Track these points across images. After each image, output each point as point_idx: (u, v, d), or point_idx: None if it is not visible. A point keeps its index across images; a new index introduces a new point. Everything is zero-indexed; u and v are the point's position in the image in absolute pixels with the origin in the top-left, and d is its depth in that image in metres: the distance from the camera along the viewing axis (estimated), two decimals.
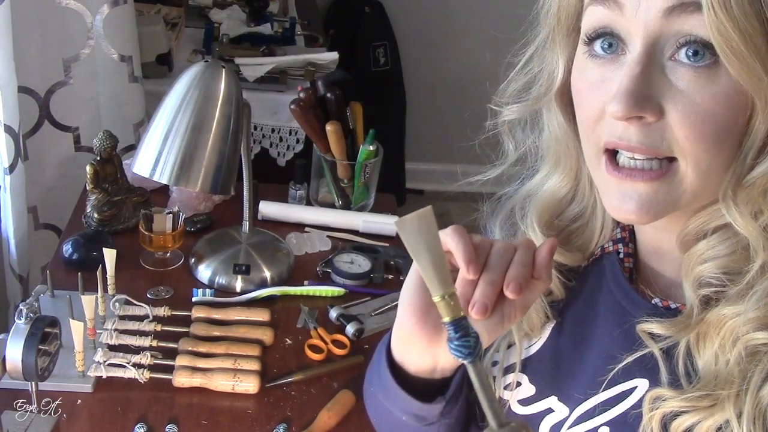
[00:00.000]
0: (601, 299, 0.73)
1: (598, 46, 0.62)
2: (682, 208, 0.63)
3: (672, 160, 0.60)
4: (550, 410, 0.73)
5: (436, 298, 0.56)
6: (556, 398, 0.73)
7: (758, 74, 0.56)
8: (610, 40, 0.61)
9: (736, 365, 0.60)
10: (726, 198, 0.61)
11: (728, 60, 0.56)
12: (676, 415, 0.61)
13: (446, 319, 0.56)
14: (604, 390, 0.68)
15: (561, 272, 0.75)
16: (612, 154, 0.62)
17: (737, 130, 0.59)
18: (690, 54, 0.57)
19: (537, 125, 0.75)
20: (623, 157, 0.61)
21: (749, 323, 0.59)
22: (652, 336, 0.65)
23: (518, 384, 0.76)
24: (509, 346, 0.77)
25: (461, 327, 0.56)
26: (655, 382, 0.65)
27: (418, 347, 0.69)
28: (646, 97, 0.58)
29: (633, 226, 0.73)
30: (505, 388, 0.77)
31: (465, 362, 0.56)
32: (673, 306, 0.67)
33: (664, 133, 0.59)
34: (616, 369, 0.66)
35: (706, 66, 0.57)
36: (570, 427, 0.70)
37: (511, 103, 0.73)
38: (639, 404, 0.65)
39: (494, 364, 0.78)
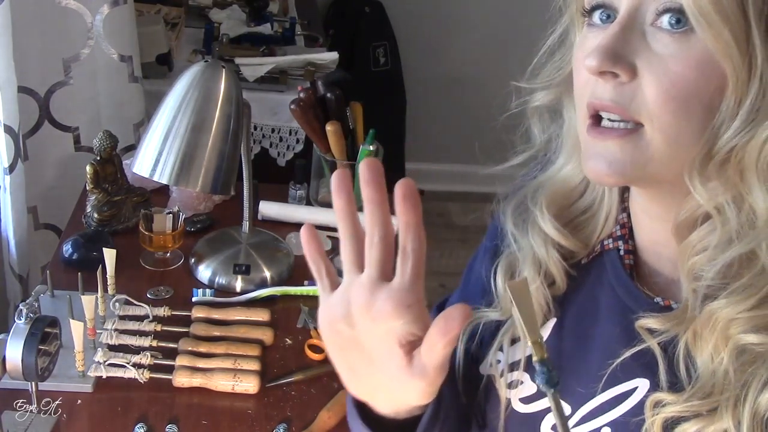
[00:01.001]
0: (603, 297, 0.73)
1: (596, 16, 0.64)
2: (653, 176, 0.63)
3: (640, 125, 0.61)
4: (551, 408, 0.73)
5: (532, 342, 0.59)
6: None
7: (727, 41, 0.57)
8: (607, 11, 0.63)
9: (730, 365, 0.60)
10: (692, 169, 0.61)
11: (698, 24, 0.57)
12: (677, 420, 0.61)
13: (536, 359, 0.59)
14: (606, 390, 0.68)
15: (566, 259, 0.75)
16: (596, 120, 0.64)
17: (708, 99, 0.59)
18: (673, 22, 0.59)
19: (560, 117, 0.75)
20: (604, 121, 0.63)
21: (739, 324, 0.59)
22: (651, 332, 0.66)
23: (521, 382, 0.76)
24: (513, 343, 0.77)
25: (547, 363, 0.59)
26: (655, 382, 0.65)
27: (369, 399, 0.68)
28: (620, 55, 0.60)
29: (631, 224, 0.74)
30: (509, 386, 0.77)
31: (550, 391, 0.58)
32: (674, 306, 0.67)
33: (635, 94, 0.60)
34: (614, 364, 0.66)
35: (683, 32, 0.58)
36: (573, 427, 0.70)
37: (539, 90, 0.74)
38: (640, 405, 0.65)
39: (497, 362, 0.78)
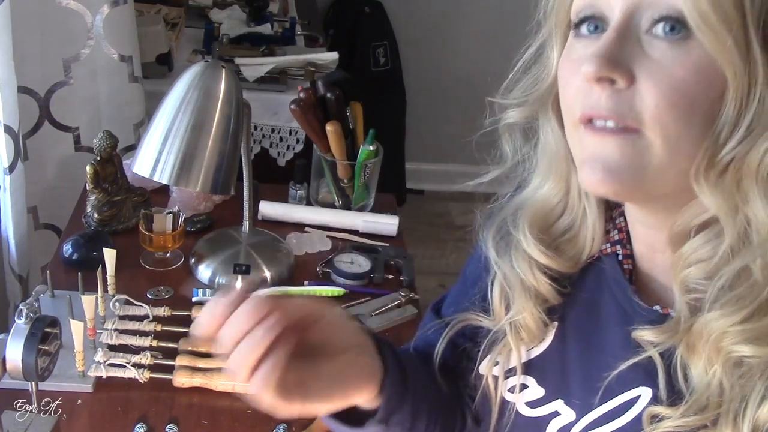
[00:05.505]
0: (603, 302, 0.73)
1: (584, 28, 0.64)
2: (649, 187, 0.62)
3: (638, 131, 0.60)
4: (556, 413, 0.73)
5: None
6: (562, 402, 0.73)
7: (728, 45, 0.56)
8: (596, 22, 0.63)
9: (724, 377, 0.59)
10: (698, 175, 0.60)
11: (700, 31, 0.57)
12: None
13: None
14: (611, 398, 0.68)
15: (554, 279, 0.74)
16: (589, 122, 0.63)
17: (708, 105, 0.59)
18: (667, 30, 0.58)
19: (533, 135, 0.75)
20: (598, 122, 0.62)
21: (731, 336, 0.59)
22: (649, 342, 0.65)
23: (524, 386, 0.76)
24: (511, 349, 0.77)
25: None
26: (657, 391, 0.65)
27: None
28: (618, 60, 0.59)
29: (628, 228, 0.73)
30: (510, 390, 0.77)
31: None
32: (673, 314, 0.67)
33: (634, 101, 0.59)
34: (613, 375, 0.66)
35: (681, 38, 0.58)
36: None
37: (513, 107, 0.73)
38: (641, 415, 0.65)
39: (496, 363, 0.78)
